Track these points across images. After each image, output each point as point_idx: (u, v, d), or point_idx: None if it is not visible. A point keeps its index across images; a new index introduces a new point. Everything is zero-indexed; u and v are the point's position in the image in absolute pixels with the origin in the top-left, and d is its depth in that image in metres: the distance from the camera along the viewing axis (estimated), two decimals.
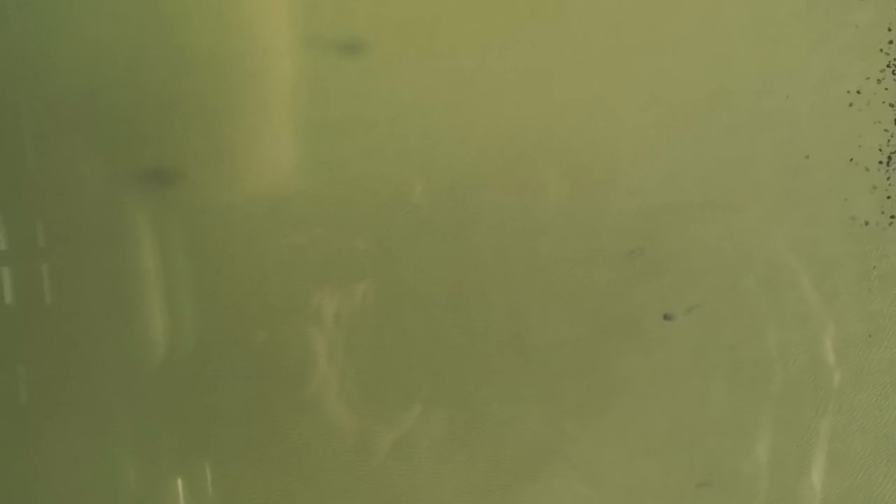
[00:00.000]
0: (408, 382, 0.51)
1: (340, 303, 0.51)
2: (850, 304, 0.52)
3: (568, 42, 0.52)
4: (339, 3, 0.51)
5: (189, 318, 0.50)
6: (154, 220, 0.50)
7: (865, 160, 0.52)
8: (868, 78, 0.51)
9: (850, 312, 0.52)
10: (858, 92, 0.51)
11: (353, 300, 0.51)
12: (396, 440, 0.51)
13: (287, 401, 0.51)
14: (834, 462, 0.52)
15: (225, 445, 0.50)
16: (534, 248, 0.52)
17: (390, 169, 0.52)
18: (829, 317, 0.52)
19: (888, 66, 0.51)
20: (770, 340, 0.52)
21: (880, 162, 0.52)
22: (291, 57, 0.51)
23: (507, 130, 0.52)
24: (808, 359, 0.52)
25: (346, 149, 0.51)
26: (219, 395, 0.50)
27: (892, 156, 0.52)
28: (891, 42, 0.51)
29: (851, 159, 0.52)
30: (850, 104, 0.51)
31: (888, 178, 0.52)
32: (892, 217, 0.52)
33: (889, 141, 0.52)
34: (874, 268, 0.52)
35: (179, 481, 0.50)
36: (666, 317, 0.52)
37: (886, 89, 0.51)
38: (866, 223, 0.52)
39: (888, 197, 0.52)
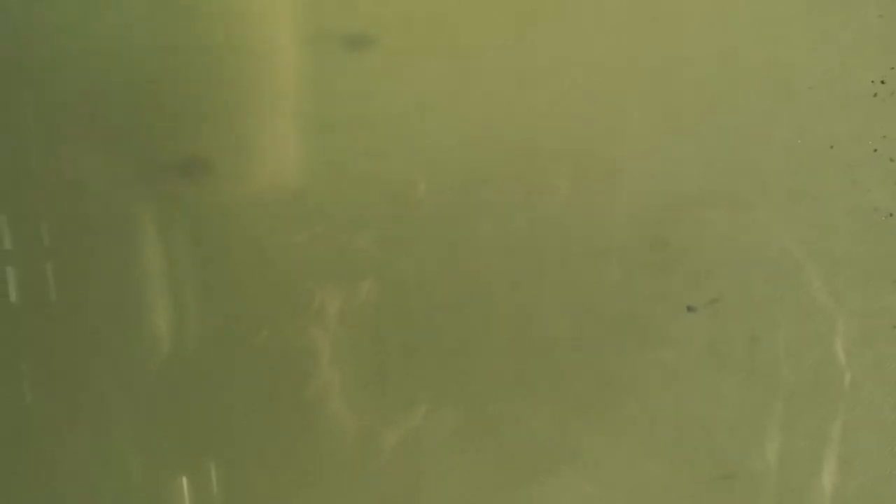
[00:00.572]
0: (412, 382, 0.51)
1: (343, 301, 0.50)
2: (875, 296, 0.51)
3: (578, 36, 0.51)
4: None
5: (193, 317, 0.50)
6: (157, 220, 0.50)
7: (890, 151, 0.50)
8: (893, 68, 0.50)
9: (875, 304, 0.51)
10: (883, 82, 0.50)
11: (356, 299, 0.50)
12: (401, 439, 0.51)
13: (290, 400, 0.50)
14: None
15: (229, 444, 0.51)
16: (541, 244, 0.51)
17: (394, 166, 0.51)
18: (853, 309, 0.51)
19: None
20: (793, 332, 0.51)
21: None
22: (295, 52, 0.51)
23: (513, 127, 0.51)
24: (830, 350, 0.51)
25: (350, 146, 0.51)
26: (222, 394, 0.50)
27: None
28: None
29: (875, 150, 0.51)
30: (875, 94, 0.50)
31: None
32: None
33: None
34: None
35: (184, 479, 0.50)
36: (689, 308, 0.51)
37: None
38: (890, 214, 0.51)
39: None
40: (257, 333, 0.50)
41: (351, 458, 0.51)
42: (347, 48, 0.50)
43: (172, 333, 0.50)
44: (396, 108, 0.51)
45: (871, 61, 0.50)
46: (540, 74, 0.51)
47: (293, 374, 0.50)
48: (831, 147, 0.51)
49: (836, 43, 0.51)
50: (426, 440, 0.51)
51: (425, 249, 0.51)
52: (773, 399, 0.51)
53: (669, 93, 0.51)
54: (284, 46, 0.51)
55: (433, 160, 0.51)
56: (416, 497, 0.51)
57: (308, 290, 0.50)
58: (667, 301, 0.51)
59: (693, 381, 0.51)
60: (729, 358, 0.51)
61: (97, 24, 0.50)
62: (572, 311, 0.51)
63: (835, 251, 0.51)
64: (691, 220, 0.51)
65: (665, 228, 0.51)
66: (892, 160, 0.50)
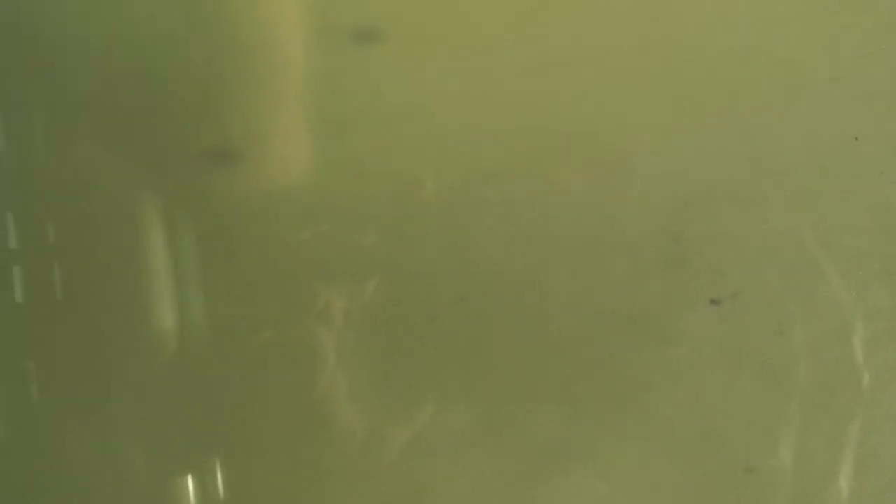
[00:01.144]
0: (420, 381, 0.51)
1: (349, 300, 0.50)
2: None
3: (592, 29, 0.50)
4: None
5: (197, 316, 0.50)
6: (162, 219, 0.50)
7: None
8: None
9: None
10: None
11: (362, 298, 0.50)
12: (410, 440, 0.50)
13: (296, 400, 0.50)
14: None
15: (235, 443, 0.50)
16: (553, 240, 0.50)
17: (402, 162, 0.50)
18: (878, 303, 0.50)
19: None
20: (816, 325, 0.50)
21: None
22: (301, 46, 0.50)
23: (526, 122, 0.50)
24: (849, 345, 0.50)
25: (357, 141, 0.50)
26: (228, 393, 0.50)
27: None
28: None
29: None
30: None
31: None
32: None
33: None
34: None
35: (189, 478, 0.50)
36: (713, 301, 0.50)
37: None
38: None
39: None
40: (262, 332, 0.50)
41: (358, 458, 0.50)
42: (355, 41, 0.49)
43: (177, 332, 0.50)
44: (405, 103, 0.50)
45: None
46: (553, 69, 0.50)
47: (299, 372, 0.50)
48: (856, 139, 0.50)
49: (861, 32, 0.50)
50: (434, 439, 0.50)
51: (433, 247, 0.50)
52: (791, 397, 0.51)
53: (687, 86, 0.50)
54: (290, 39, 0.50)
55: (443, 156, 0.50)
56: (424, 497, 0.51)
57: (312, 289, 0.50)
58: (681, 298, 0.50)
59: (709, 378, 0.50)
60: (745, 355, 0.50)
61: (98, 22, 0.50)
62: (584, 308, 0.51)
63: (860, 244, 0.50)
64: (708, 215, 0.50)
65: (680, 224, 0.50)
66: None
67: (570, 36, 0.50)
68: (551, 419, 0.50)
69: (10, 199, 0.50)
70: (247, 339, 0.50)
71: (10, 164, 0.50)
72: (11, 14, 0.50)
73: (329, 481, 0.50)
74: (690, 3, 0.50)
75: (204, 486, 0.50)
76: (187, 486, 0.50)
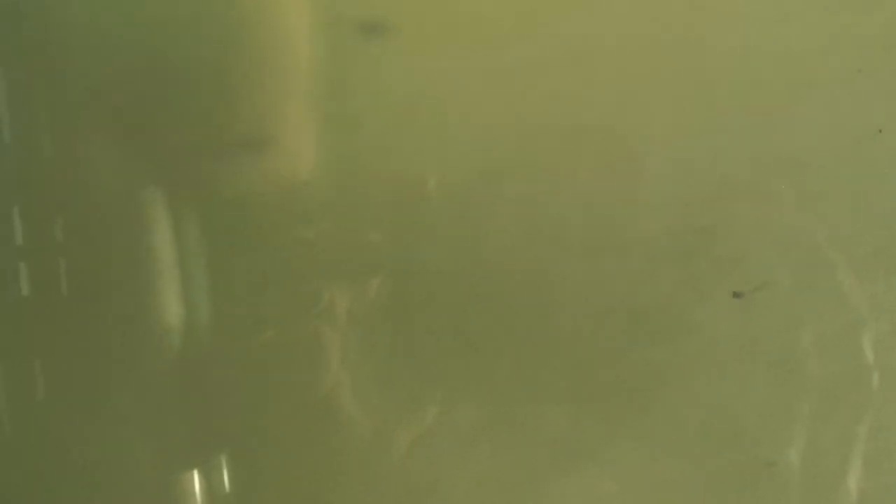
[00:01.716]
0: (425, 380, 0.50)
1: (353, 299, 0.50)
2: None
3: (607, 22, 0.49)
4: None
5: (204, 314, 0.50)
6: (168, 216, 0.50)
7: None
8: None
9: None
10: None
11: (366, 296, 0.50)
12: (415, 438, 0.50)
13: (301, 397, 0.50)
14: None
15: (240, 441, 0.51)
16: (562, 236, 0.50)
17: (409, 158, 0.50)
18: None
19: None
20: (836, 318, 0.49)
21: None
22: (306, 39, 0.49)
23: (535, 118, 0.49)
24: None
25: (362, 137, 0.49)
26: (232, 391, 0.50)
27: None
28: None
29: None
30: None
31: None
32: None
33: None
34: None
35: (195, 475, 0.50)
36: (736, 294, 0.49)
37: None
38: None
39: None
40: (266, 330, 0.50)
41: (363, 455, 0.50)
42: (363, 35, 0.49)
43: (182, 329, 0.50)
44: (410, 97, 0.49)
45: None
46: (565, 63, 0.49)
47: (303, 370, 0.50)
48: (880, 131, 0.49)
49: (887, 22, 0.48)
50: (441, 438, 0.50)
51: (439, 244, 0.50)
52: (804, 395, 0.50)
53: (706, 78, 0.49)
54: (295, 33, 0.49)
55: (450, 152, 0.50)
56: (431, 496, 0.50)
57: (316, 288, 0.50)
58: (696, 293, 0.50)
59: (722, 374, 0.50)
60: (759, 353, 0.50)
61: (106, 19, 0.50)
62: (592, 305, 0.50)
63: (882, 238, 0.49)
64: (723, 211, 0.49)
65: (694, 220, 0.49)
66: None
67: (585, 33, 0.49)
68: (559, 417, 0.50)
69: (16, 195, 0.50)
70: (251, 337, 0.50)
71: (16, 160, 0.50)
72: (18, 7, 0.50)
73: (334, 478, 0.50)
74: (711, 5, 0.49)
75: (209, 483, 0.50)
76: (193, 482, 0.50)
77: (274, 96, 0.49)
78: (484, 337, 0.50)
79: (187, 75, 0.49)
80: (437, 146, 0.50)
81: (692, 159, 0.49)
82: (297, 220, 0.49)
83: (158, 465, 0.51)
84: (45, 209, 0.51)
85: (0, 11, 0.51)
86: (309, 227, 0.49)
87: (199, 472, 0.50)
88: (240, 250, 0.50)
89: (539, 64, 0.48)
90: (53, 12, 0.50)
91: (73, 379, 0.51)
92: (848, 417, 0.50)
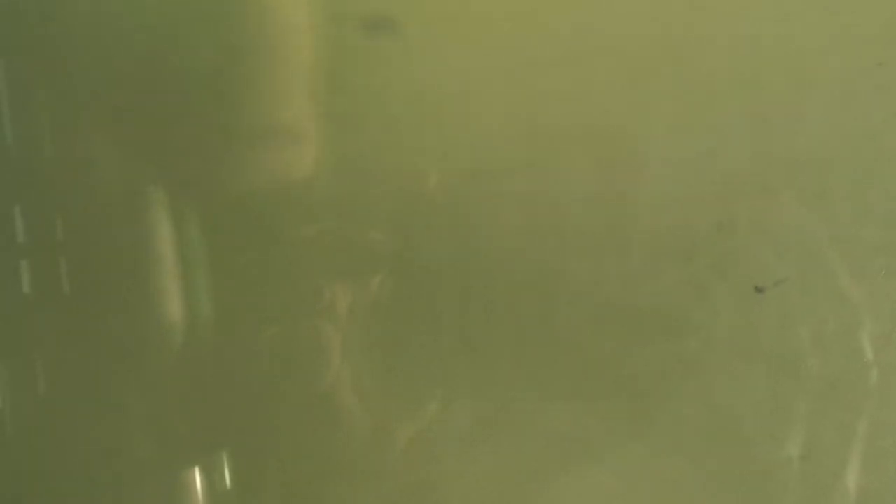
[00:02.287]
0: (426, 377, 0.50)
1: (355, 297, 0.50)
2: None
3: (614, 21, 0.48)
4: None
5: (205, 312, 0.50)
6: (169, 214, 0.50)
7: None
8: None
9: None
10: None
11: (367, 294, 0.50)
12: (416, 436, 0.50)
13: (302, 396, 0.50)
14: None
15: (241, 439, 0.51)
16: (563, 234, 0.50)
17: (411, 156, 0.49)
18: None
19: None
20: (857, 311, 0.49)
21: None
22: (308, 36, 0.49)
23: (538, 116, 0.49)
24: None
25: (364, 135, 0.49)
26: (234, 389, 0.50)
27: None
28: None
29: None
30: None
31: None
32: None
33: None
34: None
35: (196, 473, 0.50)
36: (757, 289, 0.49)
37: None
38: None
39: None
40: (268, 327, 0.50)
41: (364, 454, 0.50)
42: (366, 33, 0.49)
43: (184, 327, 0.50)
44: (414, 96, 0.49)
45: None
46: (568, 62, 0.48)
47: (304, 370, 0.50)
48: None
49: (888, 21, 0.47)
50: (442, 436, 0.50)
51: (441, 242, 0.50)
52: (802, 393, 0.50)
53: (710, 76, 0.49)
54: (297, 30, 0.49)
55: (452, 150, 0.50)
56: (431, 493, 0.51)
57: (318, 286, 0.49)
58: (693, 292, 0.50)
59: (721, 373, 0.50)
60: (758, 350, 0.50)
61: (108, 16, 0.50)
62: (594, 305, 0.50)
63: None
64: (727, 210, 0.49)
65: (695, 219, 0.49)
66: None
67: (590, 31, 0.48)
68: (560, 416, 0.50)
69: (18, 193, 0.50)
70: (253, 335, 0.50)
71: (18, 158, 0.50)
72: (19, 6, 0.50)
73: (335, 475, 0.51)
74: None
75: (211, 479, 0.50)
76: (194, 479, 0.50)
77: (276, 94, 0.49)
78: (485, 335, 0.50)
79: (189, 73, 0.49)
80: (440, 144, 0.49)
81: (694, 158, 0.49)
82: (299, 218, 0.49)
83: (160, 462, 0.51)
84: (47, 207, 0.50)
85: (1, 10, 0.50)
86: (311, 225, 0.49)
87: (201, 469, 0.50)
88: (241, 248, 0.50)
89: (543, 62, 0.48)
90: (55, 10, 0.50)
91: (75, 377, 0.51)
92: (847, 415, 0.50)
